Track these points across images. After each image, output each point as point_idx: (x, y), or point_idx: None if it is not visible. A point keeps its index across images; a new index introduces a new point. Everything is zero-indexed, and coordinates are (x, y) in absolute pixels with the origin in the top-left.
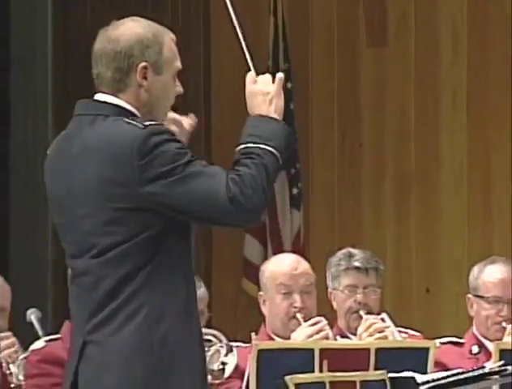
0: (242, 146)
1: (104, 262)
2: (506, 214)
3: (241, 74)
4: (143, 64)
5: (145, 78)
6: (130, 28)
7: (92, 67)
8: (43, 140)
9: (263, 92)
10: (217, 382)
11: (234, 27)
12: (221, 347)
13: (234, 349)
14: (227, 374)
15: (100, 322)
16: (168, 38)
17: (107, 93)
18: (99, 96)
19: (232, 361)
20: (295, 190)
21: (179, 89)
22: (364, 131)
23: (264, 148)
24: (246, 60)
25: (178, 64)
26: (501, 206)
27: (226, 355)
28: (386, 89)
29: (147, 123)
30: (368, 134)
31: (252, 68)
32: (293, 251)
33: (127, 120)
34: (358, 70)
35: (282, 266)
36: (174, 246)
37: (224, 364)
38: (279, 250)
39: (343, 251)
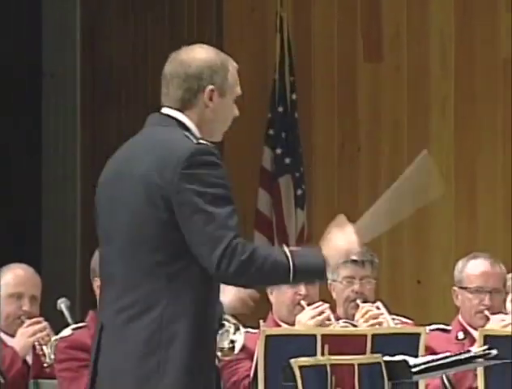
0: (287, 250)
1: (130, 259)
2: (489, 213)
3: (249, 80)
4: (211, 87)
5: (211, 99)
6: (200, 54)
7: (162, 86)
8: (72, 150)
9: (338, 248)
10: (227, 358)
11: None
12: (229, 327)
13: (241, 327)
14: (236, 350)
15: (120, 308)
16: (232, 66)
17: (174, 109)
18: (165, 110)
19: (239, 338)
20: (299, 191)
21: (236, 112)
22: (362, 138)
23: (289, 262)
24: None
25: (238, 90)
26: (485, 206)
27: (234, 333)
28: (382, 99)
29: (201, 141)
30: (365, 141)
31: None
32: (298, 246)
33: (185, 133)
34: (356, 82)
35: None
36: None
37: (232, 342)
38: (284, 244)
39: None
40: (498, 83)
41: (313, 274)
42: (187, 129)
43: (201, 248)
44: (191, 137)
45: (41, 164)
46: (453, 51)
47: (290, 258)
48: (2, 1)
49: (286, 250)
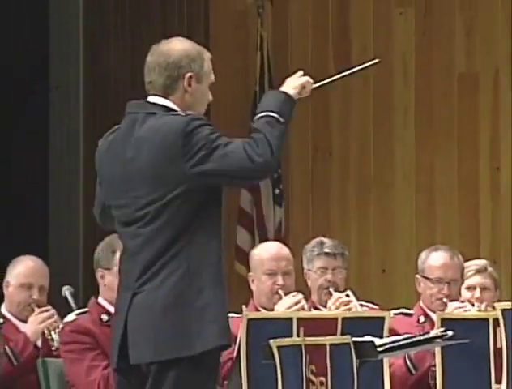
0: (256, 116)
1: (153, 229)
2: (447, 210)
3: (233, 92)
4: (190, 74)
5: (190, 85)
6: (179, 45)
7: (145, 76)
8: (75, 154)
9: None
10: None
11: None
12: None
13: None
14: None
15: (148, 278)
16: (207, 56)
17: (158, 96)
18: (151, 98)
19: None
20: (277, 191)
21: (210, 97)
22: (333, 144)
23: (269, 115)
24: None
25: (213, 77)
26: (443, 203)
27: None
28: (351, 109)
29: (189, 112)
30: (336, 146)
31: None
32: (276, 240)
33: (173, 113)
34: (328, 93)
35: (267, 251)
36: (209, 217)
37: None
38: (264, 238)
39: (316, 240)
40: (453, 95)
41: (291, 109)
42: (175, 111)
43: (237, 166)
44: (179, 113)
45: (48, 167)
46: (413, 66)
47: (273, 113)
48: (14, 19)
49: (266, 113)
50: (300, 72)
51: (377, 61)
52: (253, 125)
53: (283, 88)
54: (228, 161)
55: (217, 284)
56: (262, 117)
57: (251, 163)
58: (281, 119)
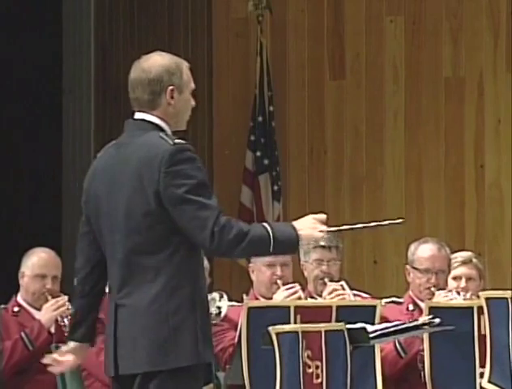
0: (266, 224)
1: (132, 243)
2: (434, 205)
3: (234, 94)
4: (171, 87)
5: (172, 97)
6: (158, 60)
7: (129, 92)
8: (86, 155)
9: (308, 226)
10: (214, 322)
11: None
12: (215, 296)
13: (224, 295)
14: (222, 315)
15: (127, 292)
16: (185, 66)
17: (143, 112)
18: (138, 115)
19: (224, 305)
20: (276, 187)
21: (193, 103)
22: (328, 144)
23: (270, 236)
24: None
25: (192, 85)
26: (431, 199)
27: (219, 301)
28: (344, 111)
29: (176, 141)
30: (330, 145)
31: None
32: None
33: (161, 135)
34: (323, 97)
35: None
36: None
37: (219, 308)
38: None
39: None
40: (440, 98)
41: (289, 246)
42: (161, 129)
43: (193, 231)
44: (167, 138)
45: (62, 169)
46: (403, 71)
47: (270, 233)
48: (31, 28)
49: (267, 225)
50: (323, 216)
51: (400, 221)
52: (254, 226)
53: (300, 230)
54: (190, 220)
55: (193, 305)
56: (266, 229)
57: (208, 237)
58: (270, 250)
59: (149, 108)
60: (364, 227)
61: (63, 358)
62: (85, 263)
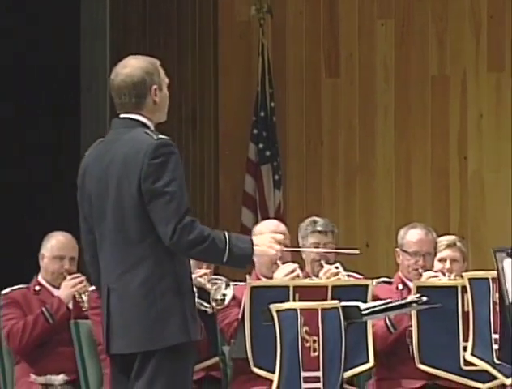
0: (227, 236)
1: (122, 234)
2: (422, 193)
3: (238, 91)
4: (154, 86)
5: (156, 95)
6: (136, 64)
7: (114, 98)
8: None
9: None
10: (220, 307)
11: None
12: (221, 283)
13: (230, 284)
14: (226, 302)
15: (118, 275)
16: (158, 64)
17: (131, 113)
18: (123, 115)
19: (229, 292)
20: (276, 177)
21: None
22: (324, 136)
23: (225, 247)
24: None
25: (167, 79)
26: (418, 187)
27: (225, 288)
28: (339, 107)
29: (160, 136)
30: (326, 138)
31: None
32: (275, 218)
33: (145, 130)
34: (320, 93)
35: (268, 228)
36: None
37: (224, 295)
38: (265, 218)
39: (310, 219)
40: (427, 94)
41: (242, 262)
42: (145, 126)
43: (159, 222)
44: (151, 133)
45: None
46: (393, 70)
47: (227, 245)
48: (50, 33)
49: (227, 237)
50: (281, 236)
51: (357, 252)
52: (215, 233)
53: (256, 245)
54: (160, 212)
55: (179, 288)
56: (225, 240)
57: (170, 233)
58: (223, 261)
59: (135, 109)
60: (317, 251)
61: None
62: (91, 259)
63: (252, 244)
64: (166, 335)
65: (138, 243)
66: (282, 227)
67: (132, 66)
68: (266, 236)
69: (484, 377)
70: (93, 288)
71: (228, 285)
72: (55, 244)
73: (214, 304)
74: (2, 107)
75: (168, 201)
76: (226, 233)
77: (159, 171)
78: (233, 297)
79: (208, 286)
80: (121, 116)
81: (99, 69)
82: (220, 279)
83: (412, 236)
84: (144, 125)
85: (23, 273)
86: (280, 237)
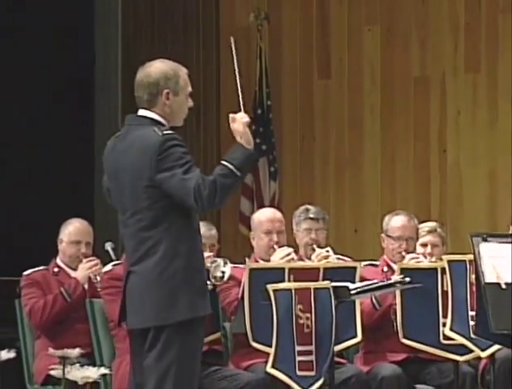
0: (221, 163)
1: (138, 219)
2: (405, 184)
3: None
4: (166, 90)
5: (168, 99)
6: (158, 67)
7: (135, 91)
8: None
9: (238, 131)
10: (219, 283)
11: (235, 77)
12: (220, 262)
13: (228, 262)
14: (225, 278)
15: (135, 262)
16: (183, 72)
17: (145, 109)
18: (140, 112)
19: (227, 270)
20: (272, 169)
21: (191, 104)
22: (316, 132)
23: (228, 166)
24: (239, 102)
25: (189, 89)
26: (402, 179)
27: (224, 266)
28: (330, 106)
29: (165, 132)
30: (318, 134)
31: (242, 107)
32: (271, 207)
33: (154, 128)
34: (312, 93)
35: (264, 215)
36: (183, 211)
37: (223, 272)
38: (262, 206)
39: (303, 207)
40: (410, 94)
41: (249, 160)
42: (157, 122)
43: (183, 197)
44: (158, 131)
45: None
46: (379, 72)
47: (231, 167)
48: (66, 38)
49: (223, 162)
50: (242, 114)
51: None
52: (217, 169)
53: (243, 143)
54: (179, 191)
55: (189, 269)
56: (224, 166)
57: (193, 201)
58: (238, 173)
59: (148, 105)
60: None
61: None
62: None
63: (243, 146)
64: (176, 312)
65: (152, 230)
66: (278, 214)
67: (155, 67)
68: (239, 124)
69: (462, 350)
70: (106, 269)
71: (226, 263)
72: (72, 230)
73: (213, 281)
74: (16, 106)
75: (178, 181)
76: (222, 162)
77: (167, 162)
78: (234, 278)
79: (208, 264)
80: (138, 113)
81: (111, 70)
82: (219, 259)
83: (396, 222)
84: (155, 122)
85: (44, 256)
86: (242, 114)
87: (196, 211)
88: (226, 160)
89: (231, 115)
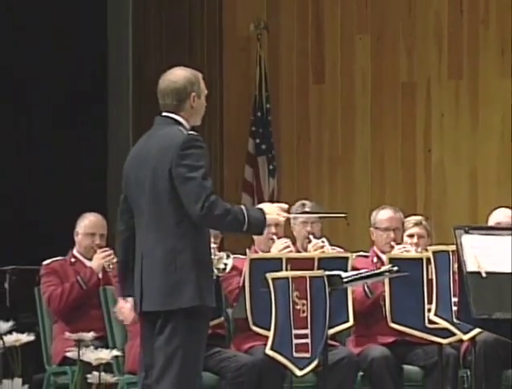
0: (244, 208)
1: (154, 214)
2: (393, 181)
3: (239, 94)
4: (193, 94)
5: (194, 101)
6: (181, 73)
7: (159, 99)
8: (125, 144)
9: (272, 212)
10: (222, 274)
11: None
12: (223, 254)
13: (230, 255)
14: (227, 270)
15: (150, 246)
16: (200, 77)
17: (172, 112)
18: (167, 114)
19: (230, 262)
20: (271, 167)
21: (205, 103)
22: (312, 133)
23: (244, 215)
24: None
25: (206, 91)
26: (390, 176)
27: (226, 259)
28: (324, 108)
29: (190, 132)
30: (313, 135)
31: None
32: (270, 201)
33: (179, 128)
34: (308, 97)
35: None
36: None
37: (225, 264)
38: (261, 201)
39: (299, 202)
40: (398, 98)
41: (258, 228)
42: (180, 124)
43: (189, 202)
44: (183, 130)
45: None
46: (369, 77)
47: (246, 216)
48: (80, 46)
49: (244, 209)
50: (285, 205)
51: (344, 215)
52: (234, 207)
53: (268, 214)
54: (191, 192)
55: (196, 262)
56: (243, 212)
57: (199, 208)
58: (243, 230)
59: (176, 110)
60: (314, 214)
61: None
62: (121, 230)
63: (264, 213)
64: (182, 299)
65: (167, 220)
66: None
67: (178, 74)
68: (274, 205)
69: (445, 333)
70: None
71: (228, 256)
72: (87, 223)
73: (216, 272)
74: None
75: (196, 185)
76: (243, 207)
77: (186, 160)
78: (235, 268)
79: (212, 257)
80: (163, 114)
81: (123, 78)
82: (222, 252)
83: (383, 215)
84: (180, 123)
85: (62, 247)
86: (285, 206)
87: (189, 216)
88: (247, 210)
89: (277, 204)
